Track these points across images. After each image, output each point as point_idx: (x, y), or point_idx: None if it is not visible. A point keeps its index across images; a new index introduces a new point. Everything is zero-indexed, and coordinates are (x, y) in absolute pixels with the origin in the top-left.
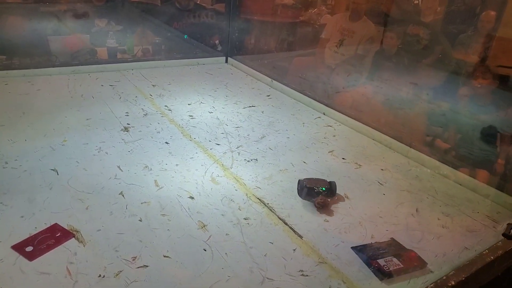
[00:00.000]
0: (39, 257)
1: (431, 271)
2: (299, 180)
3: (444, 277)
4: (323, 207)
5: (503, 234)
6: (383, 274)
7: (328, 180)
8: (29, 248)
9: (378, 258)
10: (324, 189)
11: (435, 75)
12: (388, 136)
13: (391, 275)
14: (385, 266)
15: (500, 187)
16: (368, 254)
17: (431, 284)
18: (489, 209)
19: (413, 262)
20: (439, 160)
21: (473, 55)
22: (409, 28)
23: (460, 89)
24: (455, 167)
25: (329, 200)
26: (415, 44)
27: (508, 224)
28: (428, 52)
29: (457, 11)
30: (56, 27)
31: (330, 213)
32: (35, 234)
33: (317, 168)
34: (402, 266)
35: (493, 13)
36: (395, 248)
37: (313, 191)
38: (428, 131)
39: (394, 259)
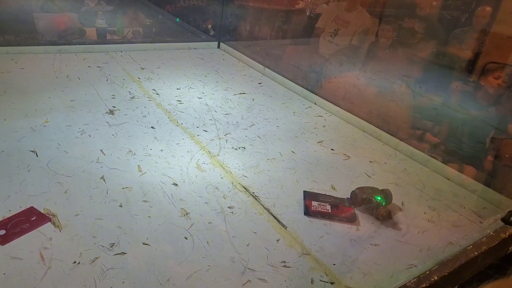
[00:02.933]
0: (12, 241)
1: (415, 266)
2: (352, 191)
3: (427, 272)
4: (386, 218)
5: (502, 219)
6: (306, 211)
7: (380, 188)
8: (1, 232)
9: (315, 200)
10: (379, 198)
11: (429, 69)
12: (378, 128)
13: (310, 214)
14: (313, 207)
15: (487, 183)
16: (312, 196)
17: (414, 279)
18: (476, 204)
19: (342, 214)
20: (428, 154)
21: (467, 50)
22: (405, 22)
23: (452, 83)
24: (444, 161)
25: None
26: (409, 37)
27: (509, 211)
28: (423, 46)
29: (453, 5)
30: (44, 4)
31: (394, 225)
32: (8, 217)
33: (306, 158)
34: (329, 212)
35: (488, 8)
36: (340, 201)
37: (370, 202)
38: (419, 124)
39: (328, 206)
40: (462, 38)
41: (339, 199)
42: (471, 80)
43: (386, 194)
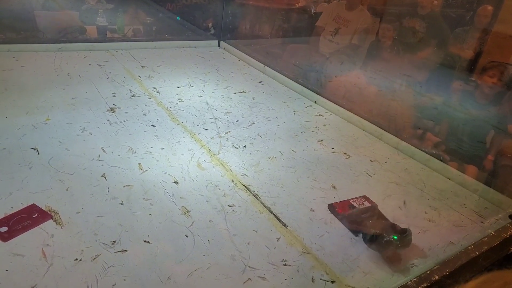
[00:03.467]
0: (14, 238)
1: (416, 265)
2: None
3: (428, 272)
4: (394, 262)
5: (510, 216)
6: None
7: (402, 227)
8: (3, 229)
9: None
10: (396, 238)
11: (430, 68)
12: (379, 127)
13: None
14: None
15: (488, 183)
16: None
17: (414, 279)
18: (477, 204)
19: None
20: (428, 154)
21: (468, 50)
22: (405, 21)
23: (453, 82)
24: (445, 161)
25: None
26: (410, 37)
27: None
28: (424, 45)
29: (454, 4)
30: (45, 2)
31: (404, 269)
32: (10, 214)
33: (306, 157)
34: None
35: (490, 7)
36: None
37: (382, 239)
38: (420, 124)
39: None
40: (463, 37)
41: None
42: (472, 79)
43: (406, 234)
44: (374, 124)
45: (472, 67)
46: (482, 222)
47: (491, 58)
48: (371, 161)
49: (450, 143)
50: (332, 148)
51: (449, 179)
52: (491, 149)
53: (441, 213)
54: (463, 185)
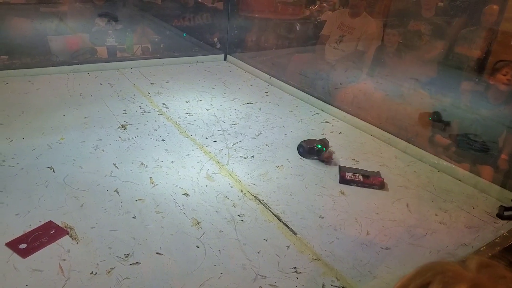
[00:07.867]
0: (33, 254)
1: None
2: (299, 145)
3: None
4: (330, 160)
5: (497, 215)
6: (342, 180)
7: (319, 138)
8: (22, 246)
9: (348, 172)
10: (320, 146)
11: (437, 70)
12: (387, 132)
13: (345, 182)
14: (347, 176)
15: (500, 183)
16: (346, 169)
17: None
18: (489, 204)
19: (373, 182)
20: (438, 156)
21: (476, 50)
22: (410, 24)
23: (462, 83)
24: (455, 162)
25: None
26: (416, 40)
27: (500, 206)
28: (430, 47)
29: (460, 5)
30: (57, 26)
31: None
32: (29, 232)
33: (314, 164)
34: (361, 180)
35: (495, 6)
36: (371, 173)
37: (313, 150)
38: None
39: (360, 176)
40: (470, 37)
41: (370, 172)
42: (482, 79)
43: (324, 142)
44: (381, 128)
45: (481, 67)
46: (495, 223)
47: (499, 57)
48: (379, 165)
49: (461, 144)
50: (340, 154)
51: (459, 180)
52: (504, 149)
53: (452, 215)
54: (474, 186)
